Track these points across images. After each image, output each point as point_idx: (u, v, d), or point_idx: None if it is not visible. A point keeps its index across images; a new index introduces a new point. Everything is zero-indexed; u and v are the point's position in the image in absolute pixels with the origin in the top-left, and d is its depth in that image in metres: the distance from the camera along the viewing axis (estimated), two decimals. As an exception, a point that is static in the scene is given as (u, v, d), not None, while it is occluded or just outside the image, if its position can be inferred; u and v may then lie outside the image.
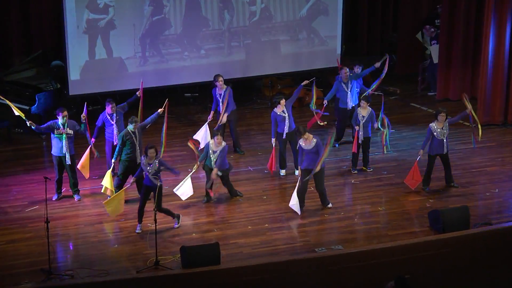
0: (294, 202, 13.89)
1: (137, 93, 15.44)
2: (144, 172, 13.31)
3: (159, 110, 14.69)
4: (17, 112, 14.37)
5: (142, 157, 13.35)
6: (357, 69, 17.06)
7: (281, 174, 15.61)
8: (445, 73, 19.42)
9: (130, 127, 14.21)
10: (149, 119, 14.67)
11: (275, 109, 15.31)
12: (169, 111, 15.23)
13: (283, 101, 15.22)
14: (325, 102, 16.48)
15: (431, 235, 13.35)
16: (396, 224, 13.74)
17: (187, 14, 18.14)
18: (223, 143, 14.20)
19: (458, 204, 14.07)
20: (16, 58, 19.24)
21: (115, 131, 14.90)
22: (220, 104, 16.13)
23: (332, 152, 16.38)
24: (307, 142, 13.87)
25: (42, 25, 19.49)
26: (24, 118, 14.38)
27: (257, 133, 17.44)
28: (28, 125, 14.27)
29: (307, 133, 13.85)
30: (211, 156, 14.16)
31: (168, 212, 13.59)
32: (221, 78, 16.12)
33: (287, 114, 15.25)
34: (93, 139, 14.85)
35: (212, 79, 18.11)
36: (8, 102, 14.60)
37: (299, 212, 13.89)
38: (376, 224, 13.79)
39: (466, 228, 13.35)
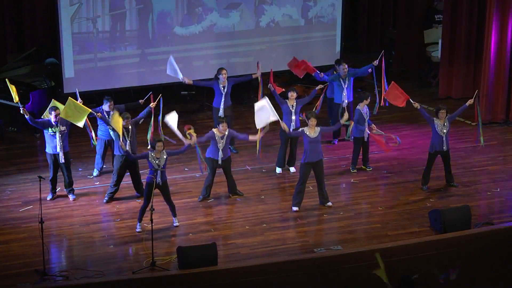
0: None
1: (140, 101, 15.18)
2: (149, 169, 13.23)
3: (151, 105, 14.53)
4: (14, 96, 14.19)
5: (149, 152, 13.19)
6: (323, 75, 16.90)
7: (277, 172, 15.49)
8: (447, 71, 19.34)
9: (122, 122, 14.05)
10: (141, 114, 14.54)
11: (287, 100, 15.33)
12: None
13: (290, 94, 15.22)
14: (322, 74, 16.33)
15: (432, 235, 13.31)
16: (396, 224, 13.66)
17: (186, 13, 18.01)
18: (227, 130, 14.20)
19: (459, 203, 14.01)
20: (9, 55, 19.08)
21: (110, 130, 14.75)
22: (223, 98, 16.01)
23: (331, 151, 16.32)
24: (311, 130, 13.75)
25: (35, 21, 19.36)
26: (18, 103, 14.18)
27: (254, 131, 17.25)
28: (21, 111, 14.06)
29: (313, 119, 13.79)
30: (218, 144, 14.12)
31: (173, 209, 13.49)
32: (224, 72, 16.01)
33: (294, 110, 15.13)
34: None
35: (207, 77, 18.00)
36: (9, 84, 14.35)
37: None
38: (376, 224, 13.68)
39: (467, 228, 13.31)
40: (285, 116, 15.27)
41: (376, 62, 16.52)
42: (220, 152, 14.16)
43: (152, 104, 14.54)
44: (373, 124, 15.35)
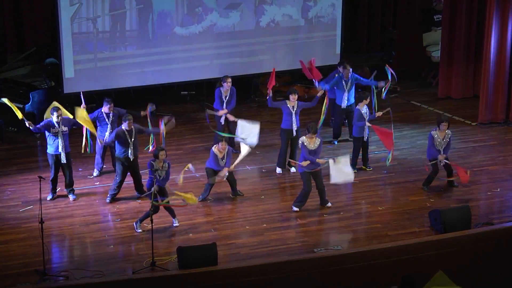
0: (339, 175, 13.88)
1: (142, 113, 15.24)
2: (154, 177, 13.14)
3: (162, 129, 14.43)
4: (16, 112, 14.17)
5: (151, 161, 13.17)
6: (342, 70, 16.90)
7: (278, 172, 15.50)
8: (446, 71, 19.32)
9: (124, 125, 14.03)
10: (149, 130, 14.54)
11: (287, 101, 15.28)
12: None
13: (292, 96, 15.17)
14: (321, 86, 16.36)
15: (432, 235, 13.28)
16: (396, 224, 13.65)
17: (186, 13, 18.01)
18: (227, 147, 14.19)
19: (459, 203, 13.99)
20: (9, 55, 19.08)
21: (108, 131, 14.76)
22: (225, 105, 15.98)
23: (331, 151, 16.31)
24: (312, 141, 13.74)
25: (36, 21, 19.36)
26: (23, 118, 14.17)
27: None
28: (27, 125, 14.07)
29: (312, 133, 13.77)
30: (220, 164, 14.14)
31: (172, 212, 13.46)
32: (229, 80, 15.97)
33: (294, 111, 15.14)
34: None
35: (207, 77, 18.00)
36: (7, 101, 14.35)
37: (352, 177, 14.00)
38: (376, 224, 13.67)
39: (467, 228, 13.28)
40: (285, 116, 15.27)
41: (382, 84, 16.36)
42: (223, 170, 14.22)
43: (162, 129, 14.43)
44: (377, 113, 15.34)
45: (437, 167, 14.60)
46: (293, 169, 15.52)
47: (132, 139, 14.07)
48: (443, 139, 14.46)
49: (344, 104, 16.49)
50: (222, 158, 14.17)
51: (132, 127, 14.09)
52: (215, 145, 14.22)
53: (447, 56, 19.31)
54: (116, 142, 14.18)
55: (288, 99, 15.27)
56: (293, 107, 15.23)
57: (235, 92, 16.17)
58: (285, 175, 15.51)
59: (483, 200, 14.53)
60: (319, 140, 13.89)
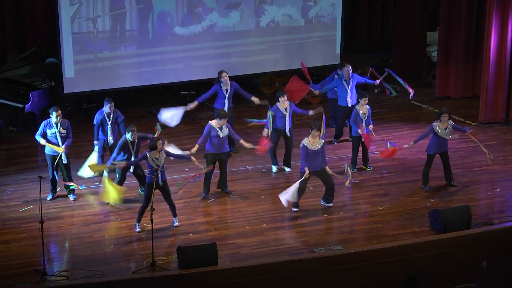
0: (287, 196, 13.65)
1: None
2: (147, 170, 13.16)
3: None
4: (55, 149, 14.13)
5: (147, 152, 13.15)
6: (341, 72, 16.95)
7: (273, 171, 15.53)
8: (444, 70, 19.31)
9: (127, 136, 14.00)
10: (151, 136, 14.15)
11: (278, 104, 15.24)
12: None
13: (282, 98, 15.12)
14: (317, 92, 16.50)
15: (432, 235, 13.28)
16: (397, 224, 13.65)
17: (186, 13, 18.01)
18: (226, 123, 14.21)
19: (459, 203, 14.00)
20: (9, 55, 19.08)
21: (109, 131, 14.74)
22: (226, 100, 15.96)
23: (331, 150, 16.31)
24: (314, 141, 13.71)
25: (36, 21, 19.37)
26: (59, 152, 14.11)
27: (255, 131, 17.25)
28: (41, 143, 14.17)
29: (316, 130, 13.70)
30: (219, 135, 14.10)
31: (173, 208, 13.47)
32: (225, 74, 15.98)
33: (288, 113, 15.12)
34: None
35: (207, 77, 17.99)
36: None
37: (285, 204, 13.69)
38: (376, 224, 13.66)
39: (467, 228, 13.30)
40: (278, 119, 15.19)
41: (377, 82, 16.52)
42: (219, 142, 14.12)
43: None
44: (370, 125, 15.33)
45: (430, 161, 14.61)
46: (288, 169, 15.47)
47: (134, 150, 14.04)
48: (445, 130, 14.47)
49: (349, 104, 16.43)
50: (220, 128, 14.09)
51: (135, 138, 14.04)
52: (212, 121, 14.22)
53: (444, 55, 19.29)
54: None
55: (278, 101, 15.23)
56: (286, 109, 15.16)
57: (237, 85, 16.16)
58: (285, 175, 15.50)
59: (483, 200, 14.53)
60: (322, 141, 13.86)
